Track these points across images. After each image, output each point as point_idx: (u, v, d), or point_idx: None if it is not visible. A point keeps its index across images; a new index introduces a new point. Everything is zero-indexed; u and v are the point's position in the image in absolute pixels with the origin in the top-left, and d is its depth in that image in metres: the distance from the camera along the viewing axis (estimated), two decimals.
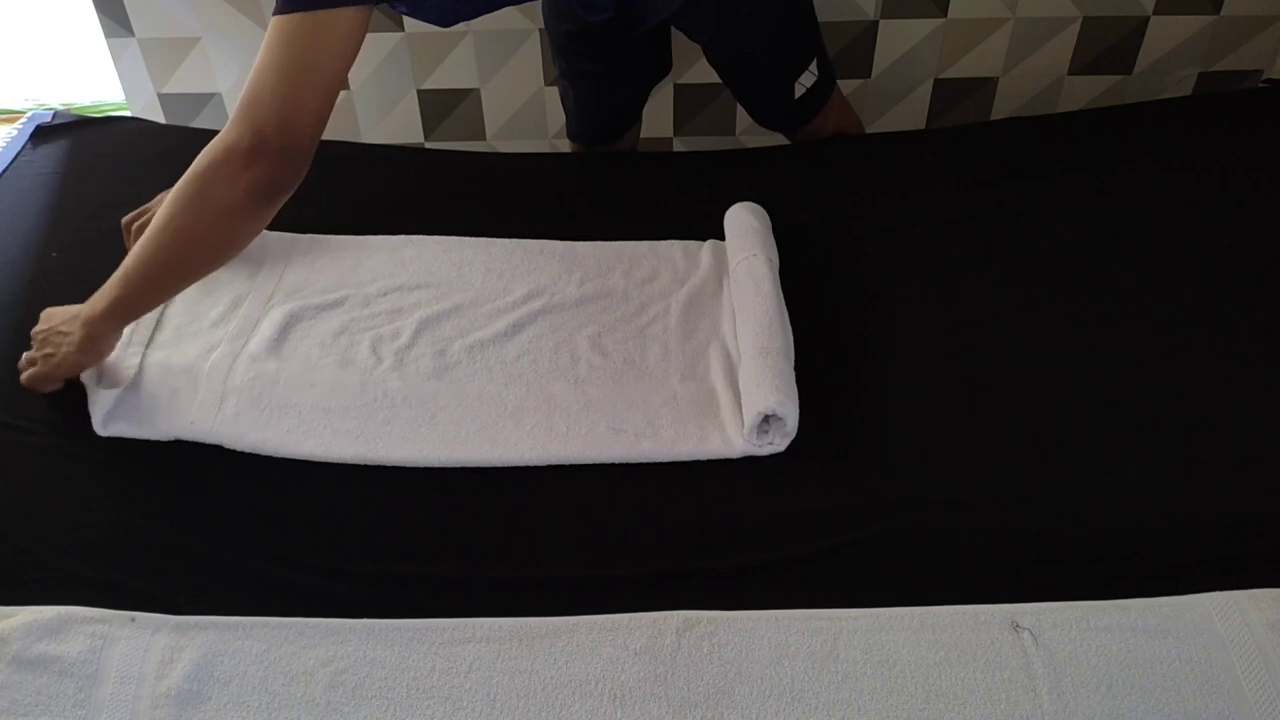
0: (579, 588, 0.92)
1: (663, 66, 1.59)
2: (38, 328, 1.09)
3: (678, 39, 1.58)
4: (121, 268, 1.03)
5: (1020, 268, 1.27)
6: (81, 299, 1.26)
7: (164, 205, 0.99)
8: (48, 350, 1.06)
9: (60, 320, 1.07)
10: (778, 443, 1.04)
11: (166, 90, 1.86)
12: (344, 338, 1.18)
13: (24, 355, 1.09)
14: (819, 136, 1.57)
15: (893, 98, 1.87)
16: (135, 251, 1.01)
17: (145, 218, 1.27)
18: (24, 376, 1.07)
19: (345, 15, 0.96)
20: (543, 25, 1.73)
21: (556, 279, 1.27)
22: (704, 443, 1.04)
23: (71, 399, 1.10)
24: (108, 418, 1.05)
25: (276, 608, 0.89)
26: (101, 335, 1.04)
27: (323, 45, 0.93)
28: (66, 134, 1.56)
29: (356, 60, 1.80)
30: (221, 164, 0.95)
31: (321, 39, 0.93)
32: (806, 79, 1.48)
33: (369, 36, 1.77)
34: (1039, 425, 1.06)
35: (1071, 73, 1.83)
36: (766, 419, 1.03)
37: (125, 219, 1.28)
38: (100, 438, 1.05)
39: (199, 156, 0.98)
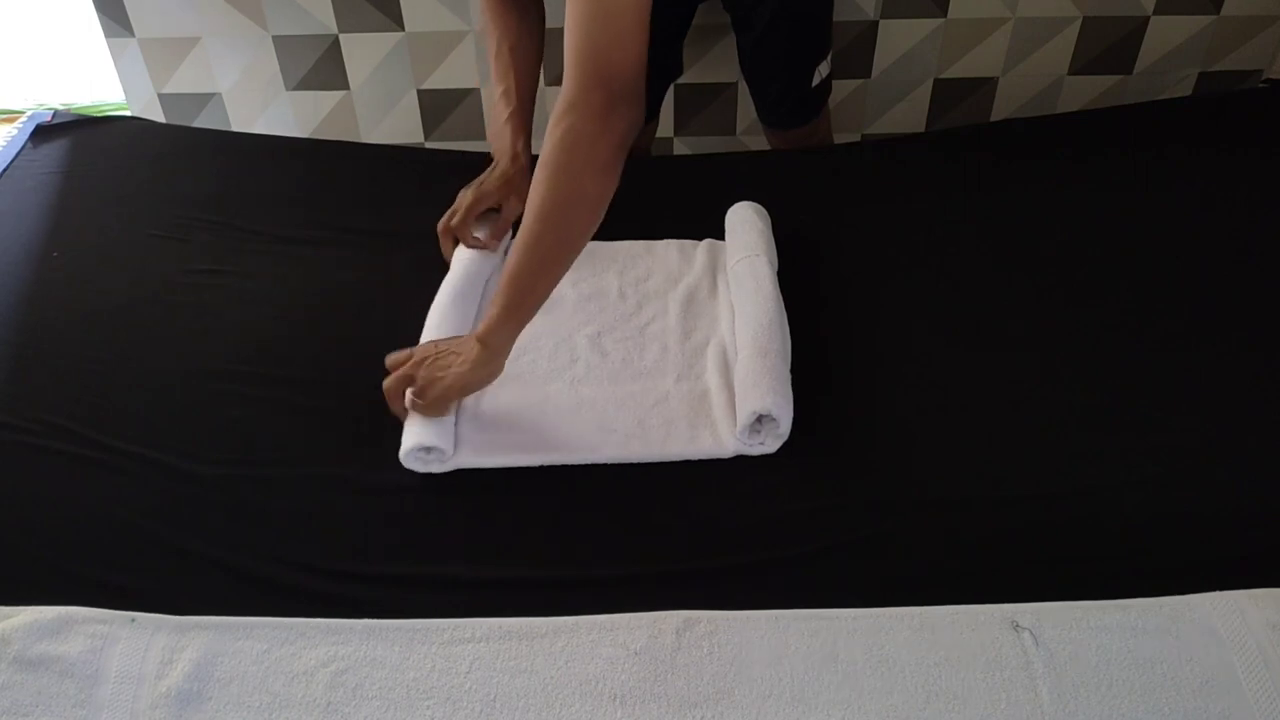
0: (579, 588, 0.92)
1: (674, 69, 1.65)
2: (411, 361, 1.07)
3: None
4: (504, 274, 1.03)
5: (1020, 268, 1.27)
6: (81, 298, 1.26)
7: (532, 195, 1.00)
8: (437, 374, 1.03)
9: (444, 347, 1.07)
10: (769, 444, 1.04)
11: (166, 90, 1.86)
12: None
13: (392, 389, 1.05)
14: (811, 139, 1.59)
15: (893, 98, 1.87)
16: (514, 253, 1.02)
17: (457, 218, 1.28)
18: (415, 406, 1.02)
19: None
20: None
21: None
22: (695, 442, 1.04)
23: (73, 399, 1.10)
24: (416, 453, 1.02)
25: (276, 608, 0.89)
26: (500, 347, 1.04)
27: None
28: (66, 134, 1.56)
29: (356, 60, 1.81)
30: (583, 128, 0.96)
31: None
32: (824, 69, 1.54)
33: (369, 36, 1.79)
34: (1039, 425, 1.06)
35: (1071, 73, 1.83)
36: (760, 419, 1.03)
37: (440, 225, 1.29)
38: (95, 438, 1.05)
39: (550, 135, 0.98)
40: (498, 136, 1.34)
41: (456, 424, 1.06)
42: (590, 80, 0.95)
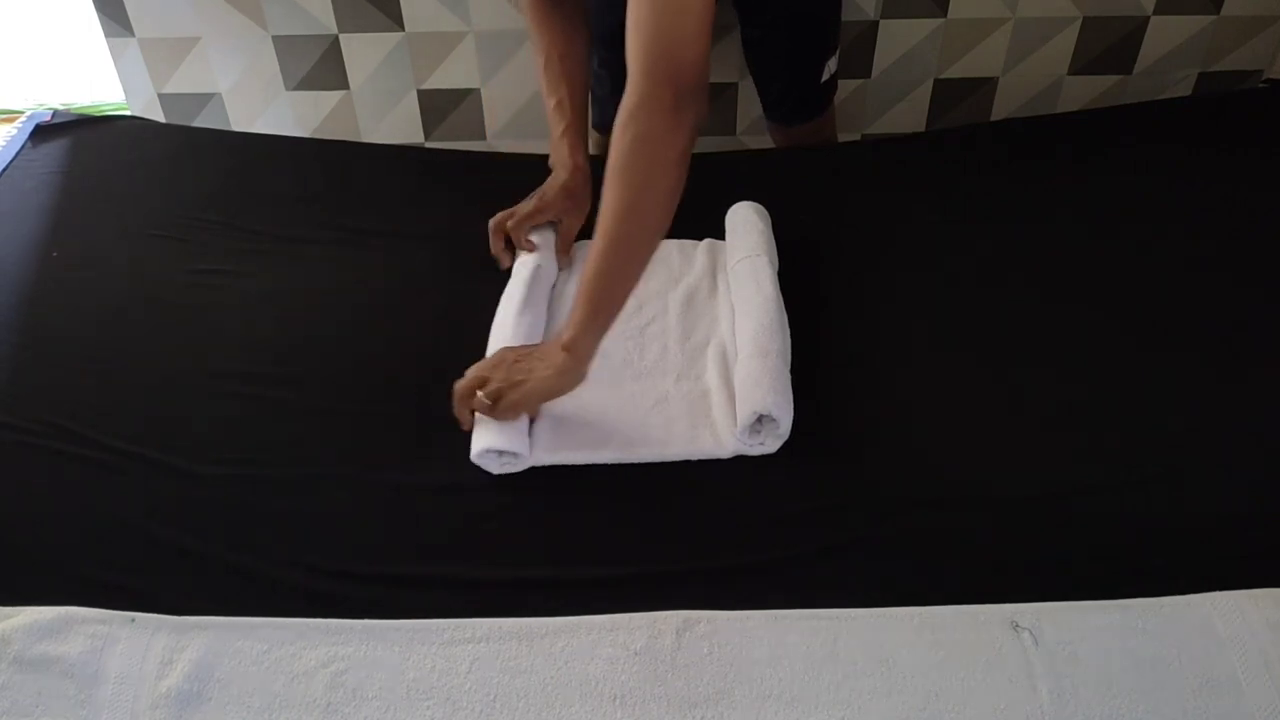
0: (579, 588, 0.92)
1: None
2: (486, 364, 1.06)
3: None
4: (584, 280, 1.03)
5: (1020, 268, 1.27)
6: (81, 298, 1.26)
7: (607, 198, 1.00)
8: (516, 378, 1.03)
9: (523, 353, 1.06)
10: (769, 444, 1.03)
11: (166, 90, 1.86)
12: None
13: (464, 388, 1.04)
14: (816, 136, 1.59)
15: (893, 98, 1.87)
16: (592, 258, 1.02)
17: (513, 222, 1.28)
18: (496, 410, 1.01)
19: None
20: None
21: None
22: (695, 442, 1.04)
23: (73, 399, 1.10)
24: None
25: (276, 608, 0.89)
26: (586, 353, 1.04)
27: None
28: (66, 133, 1.56)
29: (356, 60, 1.81)
30: (656, 126, 0.98)
31: None
32: (833, 64, 1.55)
33: (369, 36, 1.79)
34: (1039, 425, 1.06)
35: (1071, 73, 1.83)
36: (760, 419, 1.03)
37: (494, 221, 1.29)
38: (92, 437, 1.05)
39: (620, 137, 0.99)
40: (555, 149, 1.34)
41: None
42: (661, 78, 0.97)
